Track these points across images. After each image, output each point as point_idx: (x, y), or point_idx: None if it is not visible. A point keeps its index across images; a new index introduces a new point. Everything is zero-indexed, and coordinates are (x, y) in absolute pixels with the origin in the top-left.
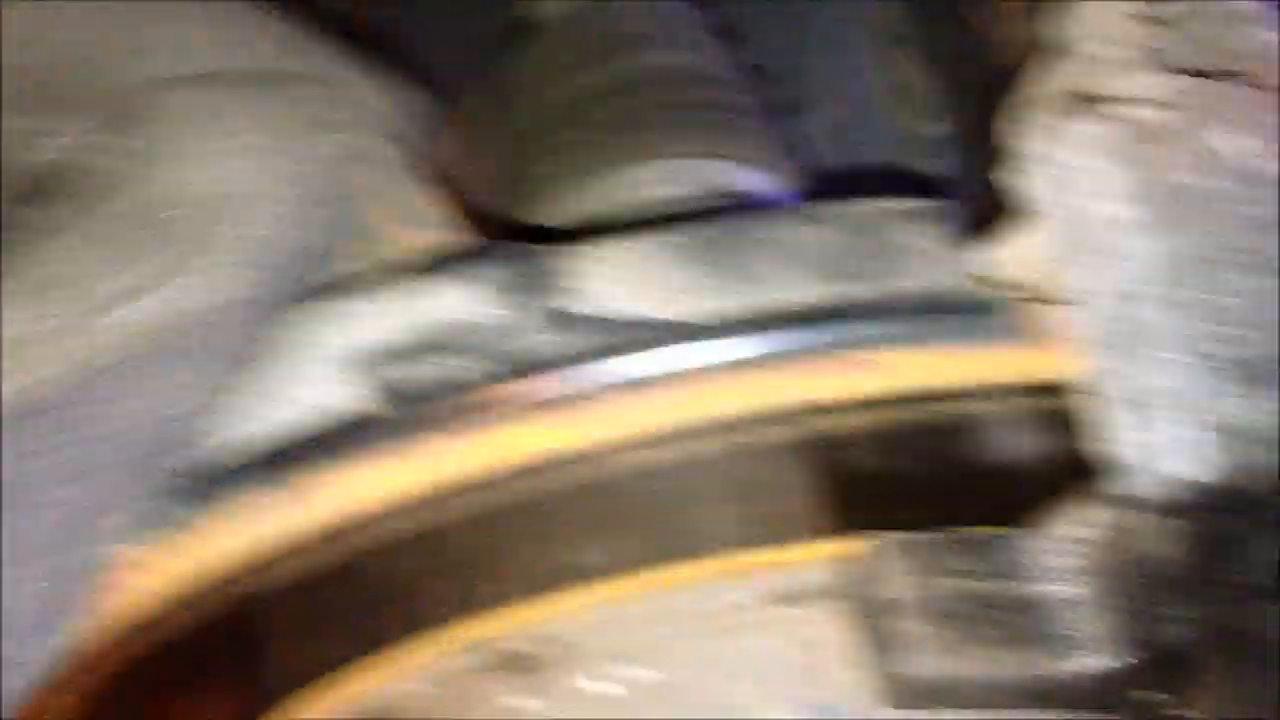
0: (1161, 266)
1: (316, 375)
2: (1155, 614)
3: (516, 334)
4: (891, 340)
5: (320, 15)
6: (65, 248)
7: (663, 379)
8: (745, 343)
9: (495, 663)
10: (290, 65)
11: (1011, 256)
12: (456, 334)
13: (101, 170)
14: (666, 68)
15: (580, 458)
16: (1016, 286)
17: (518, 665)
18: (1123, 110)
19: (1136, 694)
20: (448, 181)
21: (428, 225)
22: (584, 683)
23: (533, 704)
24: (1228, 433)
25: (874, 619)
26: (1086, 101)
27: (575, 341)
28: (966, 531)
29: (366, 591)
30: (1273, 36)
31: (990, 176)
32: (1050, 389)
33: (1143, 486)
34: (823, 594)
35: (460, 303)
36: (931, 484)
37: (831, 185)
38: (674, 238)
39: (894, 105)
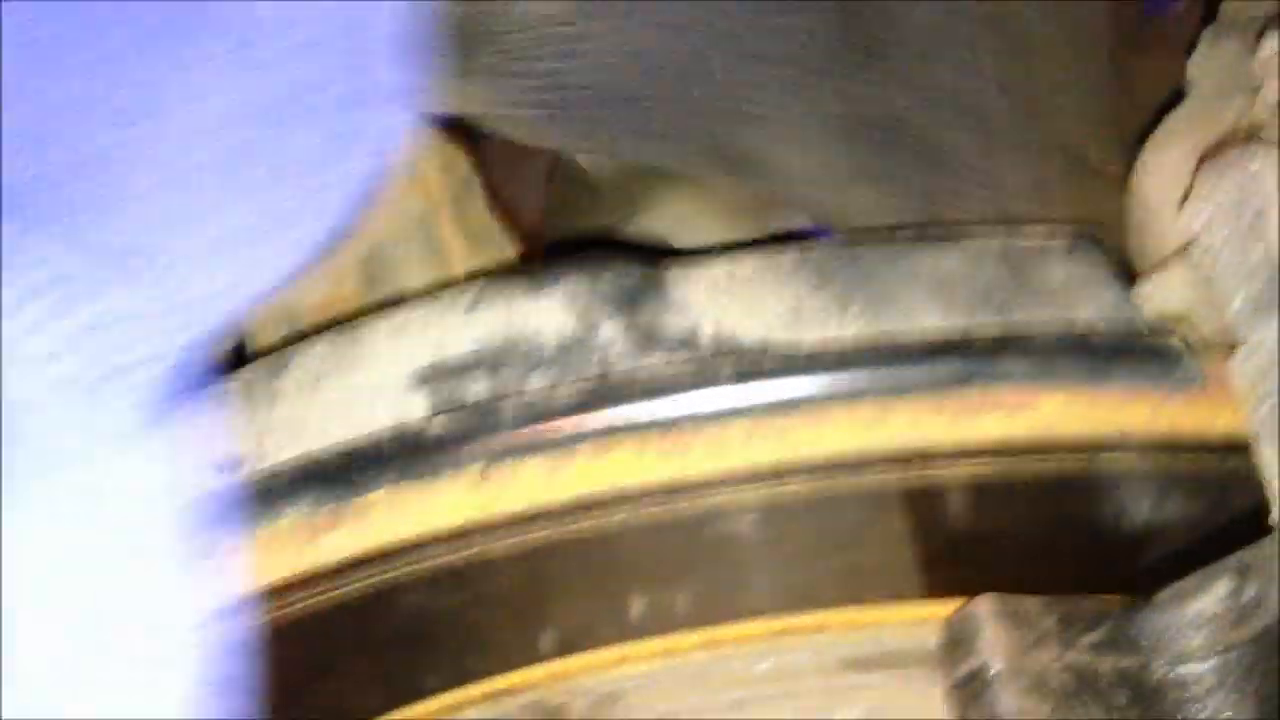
0: None
1: (382, 390)
2: None
3: (600, 352)
4: (1028, 379)
5: None
6: None
7: (764, 410)
8: (864, 374)
9: (535, 716)
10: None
11: (1171, 296)
12: (533, 350)
13: None
14: None
15: (657, 494)
16: (1175, 328)
17: None
18: None
19: None
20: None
21: (497, 243)
22: None
23: None
24: None
25: (964, 691)
26: (1266, 142)
27: (668, 364)
28: (1081, 599)
29: (414, 624)
30: None
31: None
32: (1202, 446)
33: None
34: (905, 660)
35: (540, 316)
36: (1049, 544)
37: None
38: (790, 255)
39: None
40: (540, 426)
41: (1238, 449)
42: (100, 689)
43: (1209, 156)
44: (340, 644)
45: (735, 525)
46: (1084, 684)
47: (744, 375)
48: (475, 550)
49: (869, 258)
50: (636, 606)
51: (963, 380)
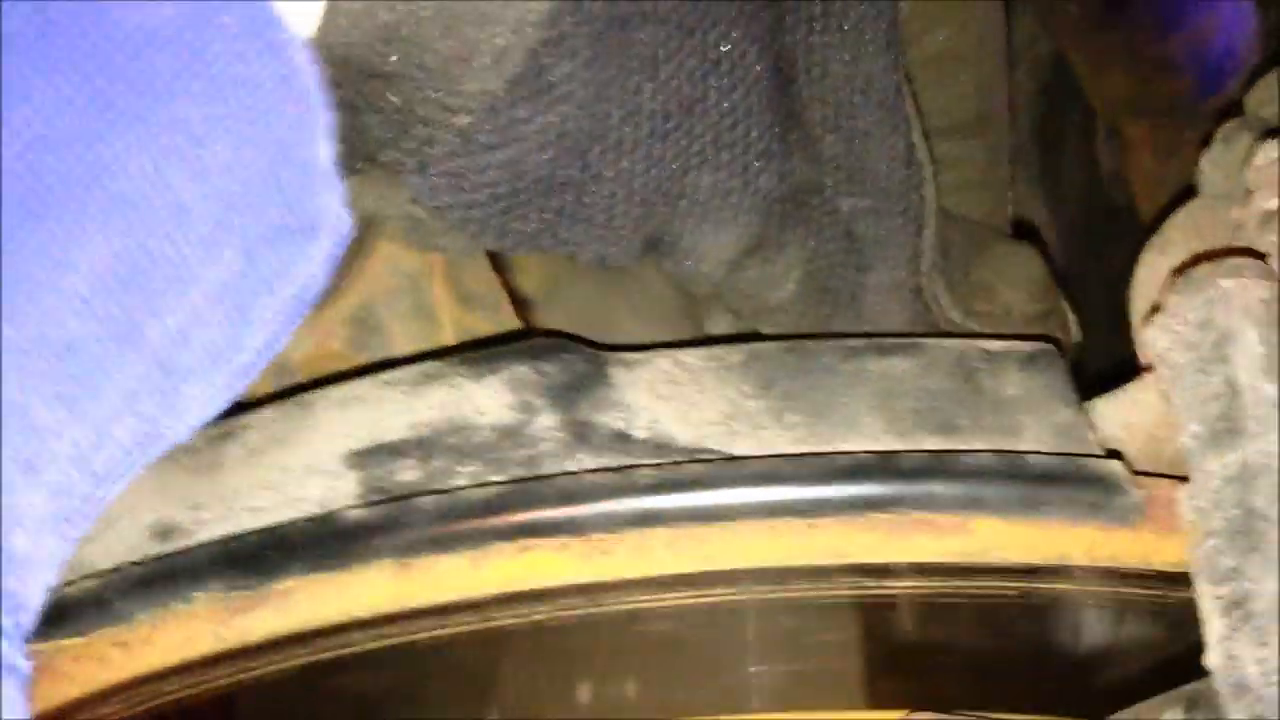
0: None
1: (317, 469)
2: None
3: (533, 446)
4: (957, 506)
5: None
6: None
7: (687, 518)
8: (790, 490)
9: None
10: None
11: (1127, 417)
12: (468, 437)
13: None
14: None
15: (578, 593)
16: (1125, 452)
17: None
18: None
19: None
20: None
21: (492, 306)
22: None
23: None
24: None
25: None
26: (1240, 256)
27: (597, 464)
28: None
29: (332, 706)
30: None
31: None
32: (1150, 575)
33: (1255, 710)
34: None
35: (481, 402)
36: (994, 662)
37: None
38: (737, 355)
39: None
40: (459, 525)
41: (1188, 579)
42: None
43: (1181, 271)
44: None
45: (657, 627)
46: None
47: (669, 484)
48: (396, 637)
49: (816, 362)
50: (557, 699)
51: (889, 503)
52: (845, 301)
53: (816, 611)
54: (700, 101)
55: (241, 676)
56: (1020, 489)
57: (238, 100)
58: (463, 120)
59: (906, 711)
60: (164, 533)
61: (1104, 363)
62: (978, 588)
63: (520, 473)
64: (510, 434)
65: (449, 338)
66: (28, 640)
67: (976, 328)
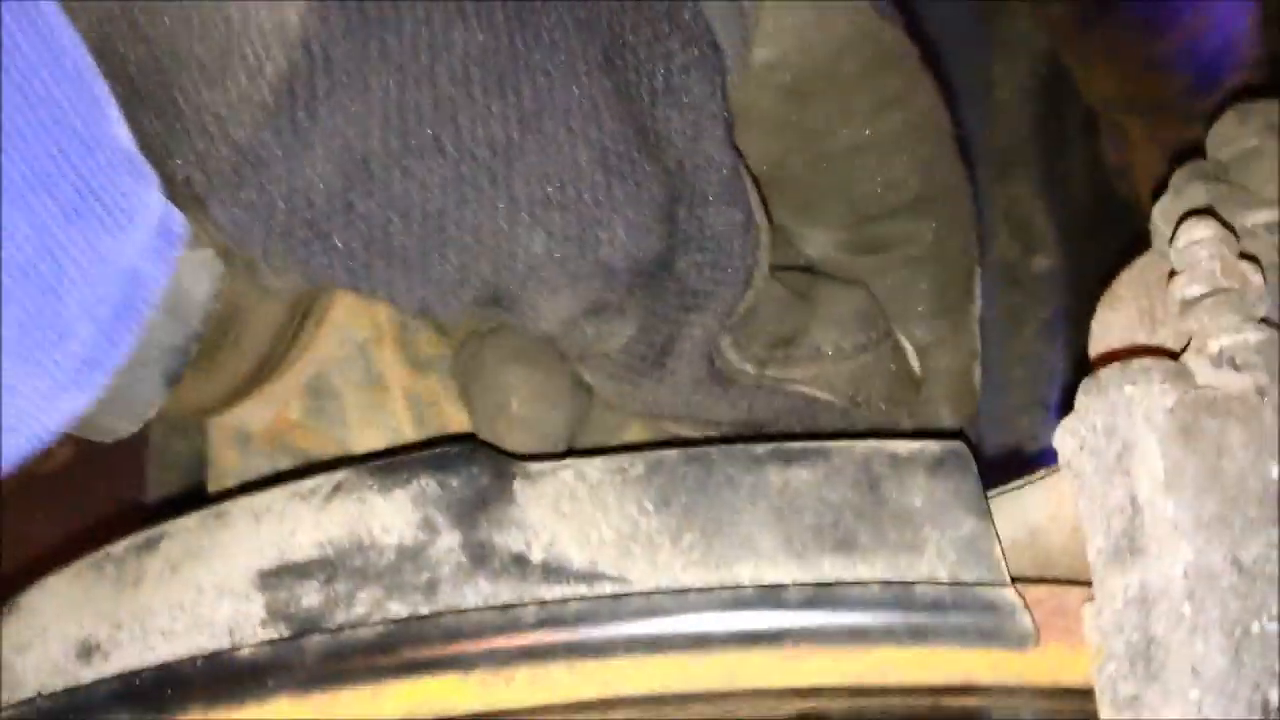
0: (1192, 580)
1: (227, 590)
2: None
3: (432, 570)
4: (844, 639)
5: None
6: None
7: (579, 649)
8: (678, 620)
9: None
10: None
11: (1053, 511)
12: (371, 557)
13: None
14: None
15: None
16: (1053, 545)
17: None
18: (1199, 370)
19: None
20: None
21: (444, 371)
22: None
23: None
24: None
25: None
26: (1150, 357)
27: (494, 590)
28: None
29: None
30: None
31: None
32: (1062, 691)
33: None
34: None
35: (387, 518)
36: None
37: None
38: (639, 467)
39: (1005, 235)
40: (352, 662)
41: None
42: None
43: (1093, 368)
44: None
45: None
46: None
47: (552, 621)
48: None
49: (717, 474)
50: None
51: (775, 636)
52: (660, 346)
53: None
54: (519, 153)
55: None
56: (909, 619)
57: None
58: (239, 133)
59: None
60: (85, 652)
61: None
62: (883, 705)
63: (418, 598)
64: (412, 555)
65: (399, 405)
66: None
67: (775, 374)
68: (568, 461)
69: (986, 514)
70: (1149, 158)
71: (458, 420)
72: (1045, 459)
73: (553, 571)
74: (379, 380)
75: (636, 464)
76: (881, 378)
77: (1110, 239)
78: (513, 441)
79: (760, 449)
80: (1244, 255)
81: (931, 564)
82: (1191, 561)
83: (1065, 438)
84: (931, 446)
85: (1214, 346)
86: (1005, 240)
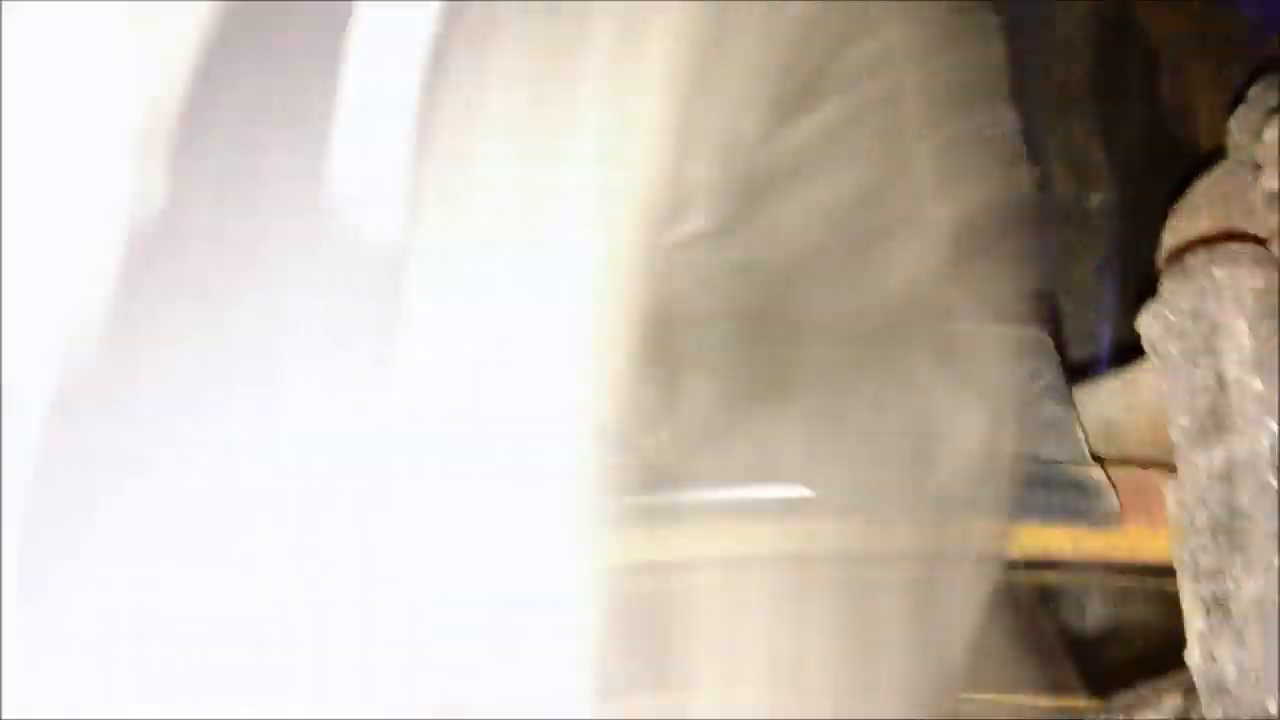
0: (1278, 456)
1: None
2: None
3: None
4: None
5: None
6: None
7: None
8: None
9: None
10: None
11: (1129, 401)
12: None
13: None
14: None
15: None
16: (1129, 436)
17: None
18: None
19: None
20: None
21: None
22: None
23: None
24: None
25: None
26: (1238, 242)
27: None
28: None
29: None
30: None
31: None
32: (1139, 568)
33: (1231, 712)
34: None
35: None
36: (991, 647)
37: None
38: None
39: (1061, 171)
40: None
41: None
42: None
43: (1174, 257)
44: None
45: None
46: None
47: None
48: None
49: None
50: None
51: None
52: None
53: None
54: None
55: None
56: (1001, 493)
57: None
58: None
59: None
60: None
61: None
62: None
63: None
64: None
65: None
66: None
67: None
68: None
69: (1069, 398)
70: (1210, 100)
71: None
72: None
73: None
74: None
75: None
76: None
77: (1166, 179)
78: None
79: None
80: None
81: (1019, 444)
82: (1277, 437)
83: (1152, 322)
84: (1014, 334)
85: None
86: (1061, 176)
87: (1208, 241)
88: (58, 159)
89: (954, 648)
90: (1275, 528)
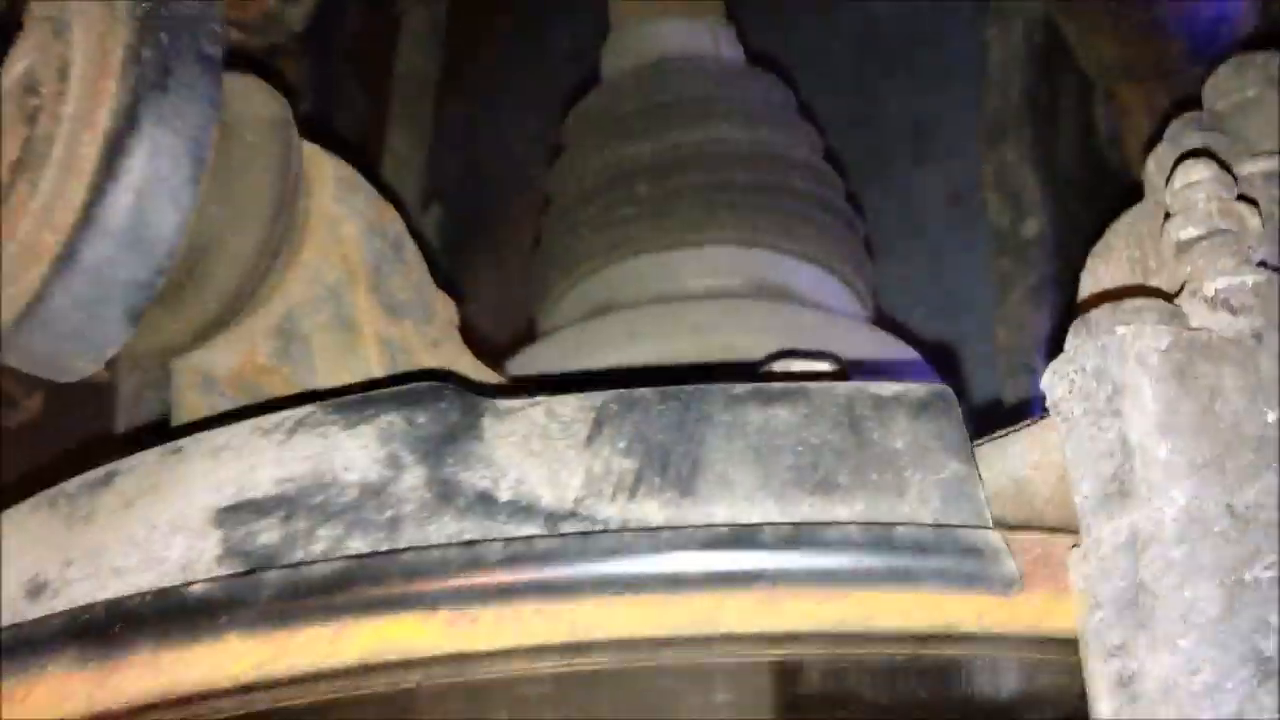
0: (1184, 525)
1: (181, 526)
2: None
3: (396, 507)
4: (821, 580)
5: None
6: None
7: (546, 592)
8: (650, 561)
9: None
10: None
11: (1036, 459)
12: (333, 494)
13: None
14: (724, 142)
15: (446, 663)
16: (1037, 494)
17: None
18: (1194, 313)
19: None
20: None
21: (422, 316)
22: None
23: None
24: None
25: None
26: (1143, 297)
27: (459, 529)
28: None
29: None
30: None
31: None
32: (1048, 641)
33: None
34: None
35: (350, 454)
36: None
37: None
38: (609, 403)
39: (996, 200)
40: (307, 601)
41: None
42: None
43: (1081, 311)
44: None
45: (529, 694)
46: None
47: (520, 559)
48: (261, 704)
49: (694, 412)
50: None
51: (750, 578)
52: None
53: (699, 676)
54: None
55: None
56: (890, 561)
57: None
58: None
59: None
60: (35, 590)
61: None
62: (861, 656)
63: (380, 536)
64: (375, 492)
65: (372, 350)
66: None
67: None
68: (539, 398)
69: (971, 457)
70: (1143, 126)
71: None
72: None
73: (521, 510)
74: (351, 324)
75: (611, 402)
76: None
77: (1100, 207)
78: None
79: (739, 389)
80: (1242, 198)
81: (914, 506)
82: (1184, 506)
83: (1055, 380)
84: (916, 389)
85: (1210, 288)
86: (996, 205)
87: (1113, 295)
88: None
89: None
90: (1181, 606)
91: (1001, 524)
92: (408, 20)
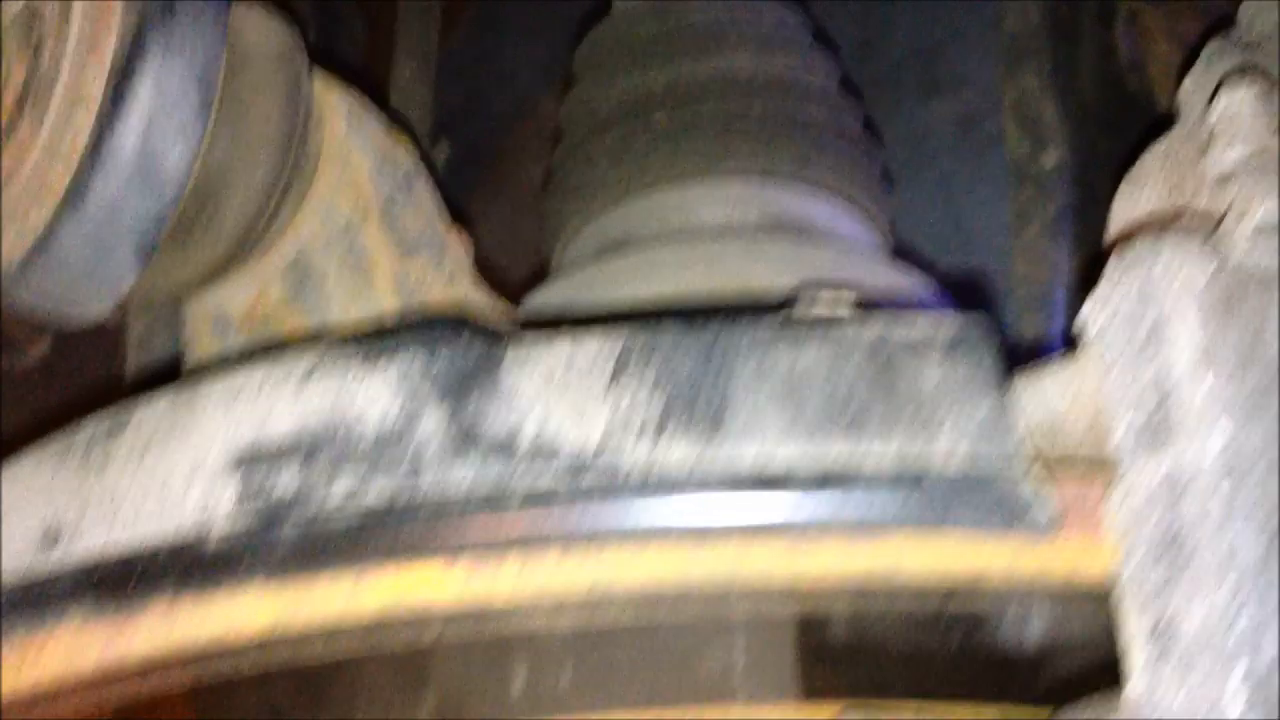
0: (1230, 462)
1: (200, 471)
2: None
3: (415, 451)
4: (853, 524)
5: None
6: None
7: (572, 537)
8: (680, 504)
9: None
10: None
11: (1052, 407)
12: (350, 439)
13: None
14: (738, 71)
15: (468, 613)
16: (1071, 430)
17: None
18: (1238, 242)
19: None
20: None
21: (435, 251)
22: None
23: None
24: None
25: None
26: (1192, 224)
27: (480, 475)
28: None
29: None
30: None
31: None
32: (1078, 585)
33: None
34: None
35: (368, 396)
36: (927, 660)
37: None
38: (634, 340)
39: (1015, 130)
40: (329, 546)
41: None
42: None
43: (1119, 242)
44: None
45: (552, 643)
46: None
47: (550, 498)
48: (280, 658)
49: (719, 350)
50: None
51: (779, 524)
52: None
53: (718, 627)
54: None
55: (132, 695)
56: (923, 503)
57: None
58: None
59: (841, 705)
60: (50, 537)
61: None
62: (899, 594)
63: (401, 480)
64: (395, 435)
65: (385, 287)
66: None
67: None
68: (563, 331)
69: (1005, 394)
70: (1165, 51)
71: (443, 304)
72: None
73: (544, 451)
74: (364, 261)
75: (636, 336)
76: None
77: (1122, 134)
78: None
79: (768, 325)
80: None
81: (948, 444)
82: (1229, 440)
83: (1095, 310)
84: (949, 323)
85: (1257, 211)
86: (1014, 135)
87: (1154, 223)
88: None
89: None
90: (1221, 552)
91: (1037, 461)
92: None
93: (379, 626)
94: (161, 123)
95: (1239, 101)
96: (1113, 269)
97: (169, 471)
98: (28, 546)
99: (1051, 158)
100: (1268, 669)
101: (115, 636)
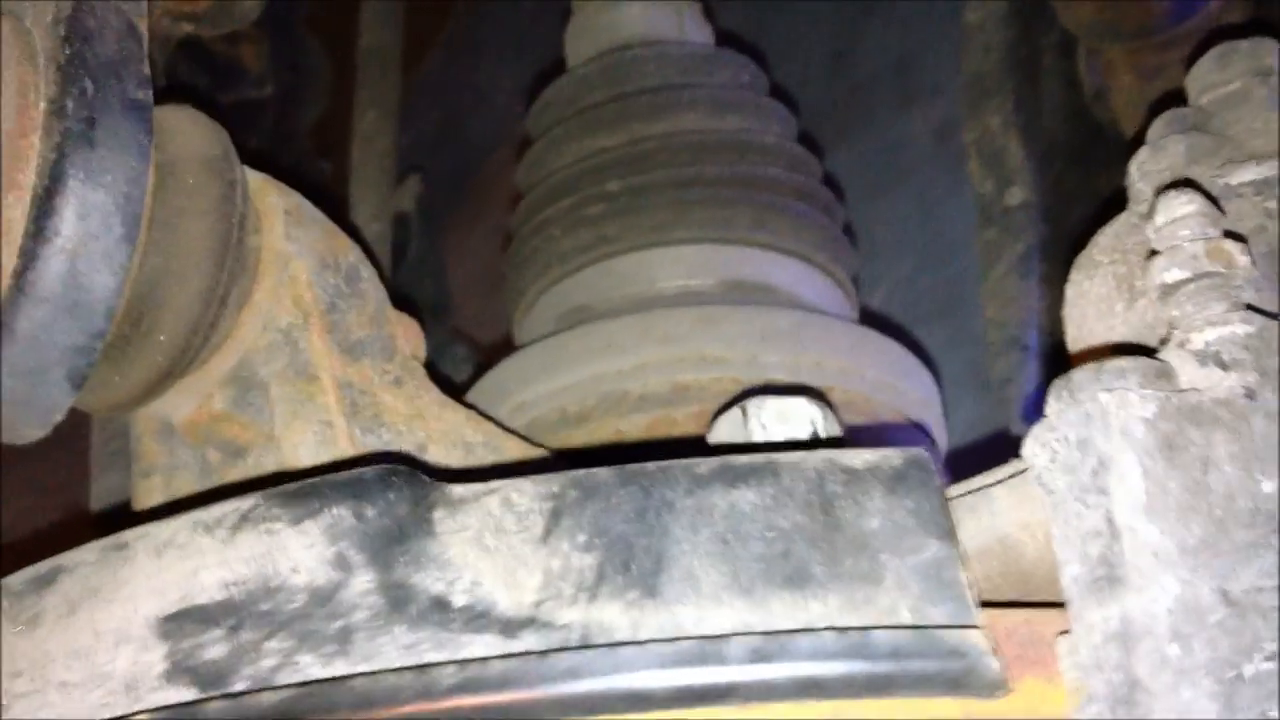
0: (1178, 617)
1: (128, 635)
2: None
3: (346, 616)
4: (812, 692)
5: None
6: None
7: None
8: (608, 681)
9: None
10: None
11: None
12: (281, 601)
13: None
14: (691, 134)
15: None
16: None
17: None
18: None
19: None
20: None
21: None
22: None
23: None
24: None
25: None
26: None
27: (418, 634)
28: None
29: None
30: None
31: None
32: None
33: None
34: None
35: (297, 554)
36: None
37: None
38: (566, 495)
39: (979, 169)
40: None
41: None
42: None
43: (1068, 360)
44: None
45: None
46: None
47: (472, 685)
48: None
49: (655, 499)
50: None
51: (720, 694)
52: None
53: None
54: None
55: None
56: (867, 669)
57: None
58: None
59: None
60: None
61: None
62: None
63: (331, 650)
64: (324, 599)
65: (330, 395)
66: None
67: None
68: (494, 485)
69: (951, 534)
70: (1128, 82)
71: (393, 409)
72: (1023, 407)
73: (476, 617)
74: (307, 369)
75: (568, 487)
76: None
77: (1087, 169)
78: None
79: (703, 466)
80: (1229, 234)
81: (891, 597)
82: (1177, 595)
83: (1036, 449)
84: (891, 457)
85: (1198, 341)
86: (979, 174)
87: (1096, 353)
88: None
89: None
90: (1177, 705)
91: (988, 602)
92: None
93: None
94: (86, 252)
95: (1179, 218)
96: (1053, 402)
97: (96, 634)
98: None
99: (1016, 196)
100: None
101: None
